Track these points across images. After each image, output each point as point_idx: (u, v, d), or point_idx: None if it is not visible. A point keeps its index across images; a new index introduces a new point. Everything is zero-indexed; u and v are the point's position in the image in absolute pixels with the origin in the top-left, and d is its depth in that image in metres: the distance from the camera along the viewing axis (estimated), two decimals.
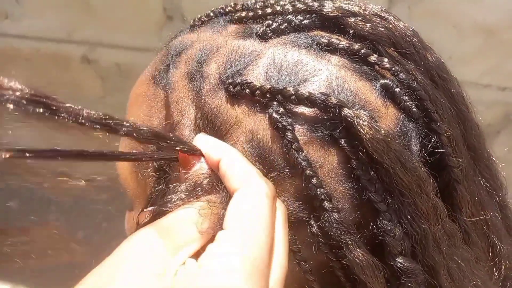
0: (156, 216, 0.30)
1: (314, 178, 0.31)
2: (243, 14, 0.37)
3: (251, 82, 0.32)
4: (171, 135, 0.32)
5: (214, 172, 0.32)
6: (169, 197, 0.31)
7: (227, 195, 0.30)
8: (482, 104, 1.18)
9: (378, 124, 0.30)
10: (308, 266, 0.32)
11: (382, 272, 0.31)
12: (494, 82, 1.15)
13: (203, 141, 0.33)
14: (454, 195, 0.35)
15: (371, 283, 0.31)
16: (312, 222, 0.32)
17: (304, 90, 0.31)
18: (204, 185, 0.31)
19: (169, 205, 0.30)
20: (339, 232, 0.31)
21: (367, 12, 0.35)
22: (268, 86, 0.31)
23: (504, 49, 1.09)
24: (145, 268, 0.26)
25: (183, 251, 0.27)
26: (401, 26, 0.36)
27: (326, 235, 0.31)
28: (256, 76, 0.33)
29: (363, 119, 0.30)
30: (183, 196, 0.30)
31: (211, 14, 0.40)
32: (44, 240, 1.69)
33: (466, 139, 0.37)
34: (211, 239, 0.28)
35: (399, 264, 0.31)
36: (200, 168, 0.32)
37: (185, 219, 0.29)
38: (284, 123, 0.31)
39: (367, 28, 0.34)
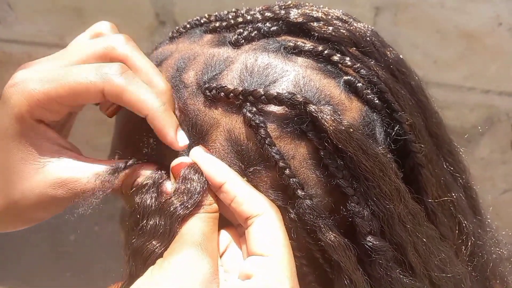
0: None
1: (287, 169, 0.34)
2: (217, 24, 0.41)
3: (225, 86, 0.35)
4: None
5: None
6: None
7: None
8: (466, 107, 1.21)
9: (340, 117, 0.33)
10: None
11: (354, 252, 0.34)
12: (478, 85, 1.18)
13: (200, 156, 0.35)
14: (420, 178, 0.38)
15: (343, 262, 0.34)
16: (290, 209, 0.35)
17: (273, 90, 0.34)
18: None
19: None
20: (312, 217, 0.34)
21: (329, 17, 0.39)
22: (240, 89, 0.34)
23: (486, 53, 1.11)
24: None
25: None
26: (361, 27, 0.39)
27: (302, 220, 0.34)
28: (230, 80, 0.36)
29: (326, 113, 0.33)
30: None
31: (188, 26, 0.43)
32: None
33: (427, 127, 0.40)
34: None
35: (369, 243, 0.34)
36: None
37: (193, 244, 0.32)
38: (257, 121, 0.34)
39: (329, 31, 0.37)
